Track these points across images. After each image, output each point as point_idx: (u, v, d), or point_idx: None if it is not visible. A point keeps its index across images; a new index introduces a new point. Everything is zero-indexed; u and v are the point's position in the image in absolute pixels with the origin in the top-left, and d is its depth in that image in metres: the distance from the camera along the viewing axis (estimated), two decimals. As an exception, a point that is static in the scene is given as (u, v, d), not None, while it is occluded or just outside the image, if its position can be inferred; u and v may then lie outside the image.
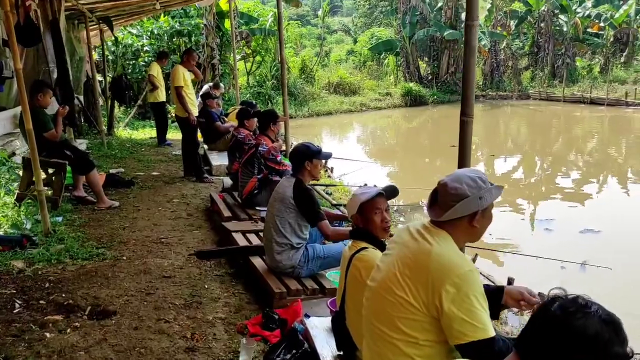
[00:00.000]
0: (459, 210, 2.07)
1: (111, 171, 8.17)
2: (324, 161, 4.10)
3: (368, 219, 2.82)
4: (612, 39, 29.24)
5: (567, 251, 6.18)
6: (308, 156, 4.01)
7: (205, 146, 9.89)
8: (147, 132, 13.34)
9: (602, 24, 28.87)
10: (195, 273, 4.41)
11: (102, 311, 3.65)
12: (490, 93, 28.06)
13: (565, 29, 28.33)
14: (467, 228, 2.11)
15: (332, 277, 4.22)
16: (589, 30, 30.19)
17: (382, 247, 2.86)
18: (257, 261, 4.25)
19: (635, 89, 22.80)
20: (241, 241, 4.73)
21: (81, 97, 10.98)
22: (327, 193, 7.38)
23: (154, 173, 8.49)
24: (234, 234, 4.93)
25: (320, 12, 33.16)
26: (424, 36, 26.96)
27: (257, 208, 5.68)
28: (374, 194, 2.83)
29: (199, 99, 10.07)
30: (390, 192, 2.93)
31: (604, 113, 22.17)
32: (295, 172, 4.05)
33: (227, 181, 7.22)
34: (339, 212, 5.03)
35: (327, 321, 3.24)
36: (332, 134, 20.38)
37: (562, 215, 8.35)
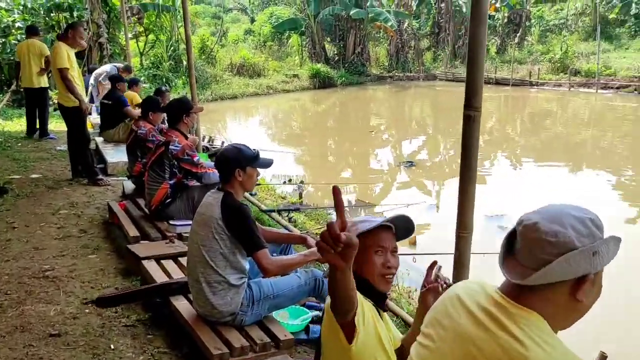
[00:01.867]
0: (559, 270, 1.22)
1: (-24, 175, 6.58)
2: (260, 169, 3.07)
3: (365, 259, 1.93)
4: (505, 20, 30.28)
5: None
6: (240, 163, 2.98)
7: (99, 138, 8.45)
8: (24, 123, 11.39)
9: (498, 5, 29.73)
10: (95, 325, 3.26)
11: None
12: (397, 74, 27.97)
13: (464, 9, 28.84)
14: (568, 303, 1.27)
15: (280, 316, 3.28)
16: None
17: (380, 301, 1.97)
18: (182, 305, 3.18)
19: (539, 69, 23.65)
20: (156, 273, 3.61)
21: None
22: (251, 194, 6.35)
23: (34, 175, 6.97)
24: (145, 262, 3.79)
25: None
26: (330, 15, 26.17)
27: (171, 222, 4.55)
28: (377, 225, 1.93)
29: (106, 80, 8.82)
30: (404, 228, 2.02)
31: (510, 93, 22.79)
32: (223, 183, 3.02)
33: (128, 185, 5.96)
34: (288, 232, 4.02)
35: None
36: (239, 119, 19.16)
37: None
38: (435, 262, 1.94)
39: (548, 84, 23.09)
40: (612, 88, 21.31)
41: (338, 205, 1.32)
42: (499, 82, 24.09)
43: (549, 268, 1.22)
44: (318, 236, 1.28)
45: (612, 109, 19.12)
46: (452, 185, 9.69)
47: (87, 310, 3.44)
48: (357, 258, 1.93)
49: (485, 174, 10.33)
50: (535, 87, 22.96)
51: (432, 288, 1.84)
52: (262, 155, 3.12)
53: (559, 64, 23.69)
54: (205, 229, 2.89)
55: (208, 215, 2.89)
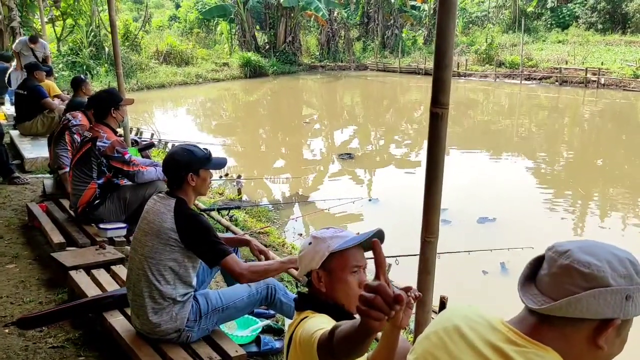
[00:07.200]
0: (585, 305, 1.09)
1: None
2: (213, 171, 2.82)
3: (339, 280, 1.74)
4: (432, 12, 30.86)
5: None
6: (192, 167, 2.70)
7: (14, 132, 7.77)
8: None
9: (425, -4, 30.29)
10: (17, 348, 2.88)
11: None
12: (328, 64, 27.89)
13: (392, 0, 29.20)
14: (586, 346, 1.13)
15: (227, 327, 3.04)
16: (410, 2, 31.55)
17: None
18: (118, 321, 2.87)
19: (466, 60, 24.26)
20: (87, 285, 3.26)
21: None
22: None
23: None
24: (72, 272, 3.42)
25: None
26: (259, 2, 25.64)
27: (101, 226, 4.17)
28: (352, 242, 1.75)
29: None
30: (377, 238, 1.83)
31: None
32: (174, 188, 2.73)
33: (49, 183, 5.45)
34: (231, 234, 3.75)
35: None
36: (167, 109, 18.39)
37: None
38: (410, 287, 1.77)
39: (475, 75, 23.75)
40: (535, 79, 22.23)
41: (380, 263, 1.10)
42: (427, 73, 24.51)
43: (575, 298, 1.08)
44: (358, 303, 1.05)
45: (534, 99, 19.95)
46: (389, 177, 9.79)
47: (6, 331, 3.04)
48: (332, 282, 1.74)
49: (414, 161, 10.74)
50: (462, 77, 23.58)
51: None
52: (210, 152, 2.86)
53: (484, 56, 24.39)
54: (154, 240, 2.59)
55: (158, 224, 2.59)
